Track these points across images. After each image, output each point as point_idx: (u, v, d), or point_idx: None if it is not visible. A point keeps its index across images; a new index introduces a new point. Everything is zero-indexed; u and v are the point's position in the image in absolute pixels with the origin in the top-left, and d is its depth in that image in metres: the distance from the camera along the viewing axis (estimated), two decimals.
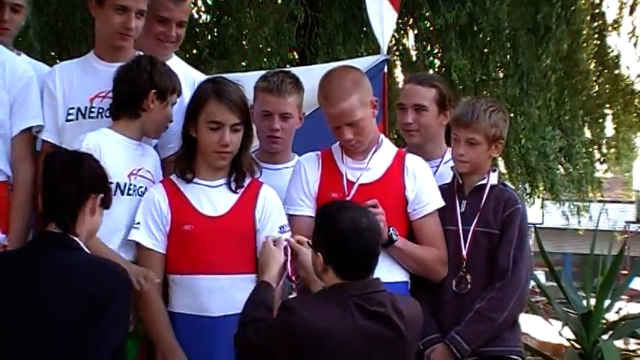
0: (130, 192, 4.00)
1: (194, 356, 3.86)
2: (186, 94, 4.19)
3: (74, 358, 3.13)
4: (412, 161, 4.18)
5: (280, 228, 3.97)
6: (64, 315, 3.15)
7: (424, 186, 4.15)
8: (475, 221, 4.16)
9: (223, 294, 3.85)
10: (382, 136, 4.26)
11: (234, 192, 3.98)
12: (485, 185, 4.21)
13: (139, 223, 3.94)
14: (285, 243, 3.84)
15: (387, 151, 4.19)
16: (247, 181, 4.02)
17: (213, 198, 3.96)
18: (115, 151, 3.97)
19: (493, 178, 4.24)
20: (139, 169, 4.04)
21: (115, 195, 3.88)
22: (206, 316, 3.87)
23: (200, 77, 4.58)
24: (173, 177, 4.04)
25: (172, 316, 3.92)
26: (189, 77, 4.41)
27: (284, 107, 4.25)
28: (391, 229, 4.00)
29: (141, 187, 4.03)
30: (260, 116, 4.28)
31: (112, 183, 3.85)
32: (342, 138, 4.08)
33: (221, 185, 3.99)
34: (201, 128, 3.92)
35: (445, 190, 4.26)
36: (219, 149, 3.91)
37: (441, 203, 4.17)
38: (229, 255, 3.89)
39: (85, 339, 3.13)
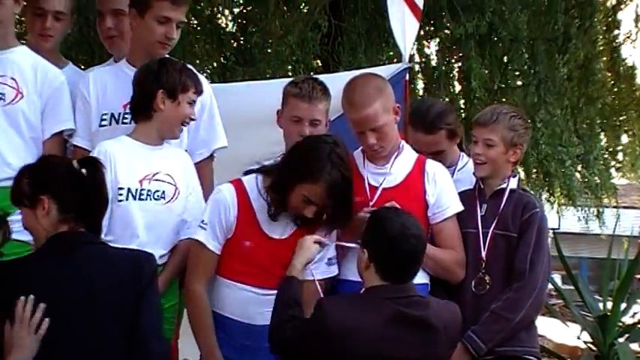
0: (142, 197, 3.99)
1: None
2: None
3: (127, 345, 3.17)
4: (432, 167, 4.23)
5: (328, 260, 4.02)
6: (114, 305, 3.18)
7: (444, 191, 4.20)
8: (494, 224, 4.21)
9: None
10: (403, 142, 4.30)
11: None
12: (504, 189, 4.25)
13: (206, 223, 3.91)
14: (329, 244, 3.93)
15: (407, 157, 4.24)
16: None
17: (279, 219, 3.94)
18: (127, 157, 3.99)
19: (513, 183, 4.27)
20: (155, 174, 4.03)
21: (126, 200, 3.96)
22: (253, 324, 3.90)
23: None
24: (246, 184, 4.00)
25: (219, 317, 3.95)
26: None
27: (314, 114, 4.24)
28: None
29: (157, 191, 4.02)
30: (289, 121, 4.27)
31: (122, 188, 3.95)
32: (365, 143, 4.13)
33: None
34: (294, 195, 3.84)
35: (467, 194, 4.32)
36: (304, 215, 3.87)
37: (460, 207, 4.23)
38: (284, 274, 3.82)
39: (137, 326, 3.18)
